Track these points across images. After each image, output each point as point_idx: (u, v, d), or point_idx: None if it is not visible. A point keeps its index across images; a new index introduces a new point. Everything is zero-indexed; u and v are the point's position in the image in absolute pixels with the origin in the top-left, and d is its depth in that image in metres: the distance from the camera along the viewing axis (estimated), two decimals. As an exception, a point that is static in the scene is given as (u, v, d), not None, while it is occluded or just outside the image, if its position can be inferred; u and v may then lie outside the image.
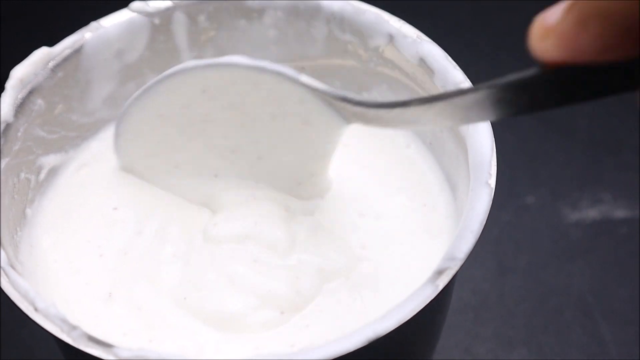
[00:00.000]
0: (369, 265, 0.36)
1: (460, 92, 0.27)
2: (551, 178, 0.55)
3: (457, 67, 0.37)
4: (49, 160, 0.40)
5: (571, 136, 0.56)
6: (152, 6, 0.41)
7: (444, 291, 0.32)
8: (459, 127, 0.37)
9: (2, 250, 0.33)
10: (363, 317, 0.34)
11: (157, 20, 0.41)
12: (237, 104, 0.36)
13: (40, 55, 0.38)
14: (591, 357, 0.48)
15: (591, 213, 0.53)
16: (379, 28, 0.39)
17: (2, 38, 0.62)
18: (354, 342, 0.30)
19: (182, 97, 0.36)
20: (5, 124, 0.37)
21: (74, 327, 0.31)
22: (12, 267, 0.33)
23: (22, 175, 0.38)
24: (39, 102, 0.38)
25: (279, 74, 0.34)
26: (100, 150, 0.41)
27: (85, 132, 0.41)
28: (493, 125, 0.36)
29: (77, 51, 0.39)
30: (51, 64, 0.39)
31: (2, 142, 0.36)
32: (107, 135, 0.42)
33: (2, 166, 0.36)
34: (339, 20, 0.40)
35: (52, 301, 0.32)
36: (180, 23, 0.41)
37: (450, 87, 0.37)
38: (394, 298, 0.32)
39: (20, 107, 0.37)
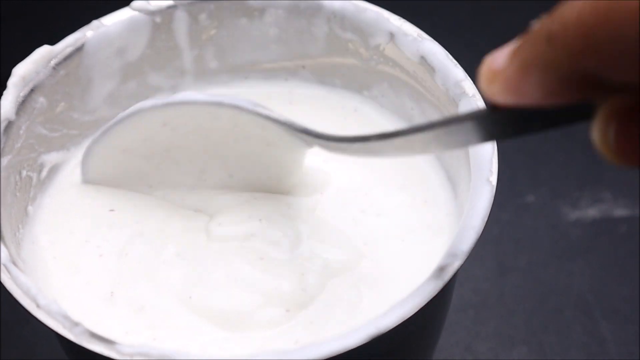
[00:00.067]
0: (371, 262, 0.36)
1: (416, 129, 0.27)
2: (551, 177, 0.55)
3: (458, 65, 0.38)
4: (51, 158, 0.40)
5: (571, 135, 0.56)
6: (154, 5, 0.41)
7: (446, 288, 0.32)
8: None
9: (4, 247, 0.33)
10: (366, 314, 0.34)
11: (158, 19, 0.41)
12: (199, 132, 0.36)
13: (42, 53, 0.38)
14: (591, 356, 0.48)
15: (591, 212, 0.53)
16: (379, 26, 0.40)
17: (2, 38, 0.62)
18: (356, 338, 0.30)
19: (142, 132, 0.37)
20: (7, 122, 0.37)
21: (76, 324, 0.31)
22: (14, 264, 0.33)
23: (24, 172, 0.38)
24: (40, 100, 0.38)
25: (236, 107, 0.35)
26: None
27: (87, 130, 0.41)
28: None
29: (79, 49, 0.39)
30: (53, 62, 0.39)
31: (4, 140, 0.36)
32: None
33: (4, 164, 0.36)
34: (340, 19, 0.40)
35: (54, 298, 0.32)
36: (181, 21, 0.41)
37: (451, 85, 0.37)
38: (396, 294, 0.32)
39: (22, 105, 0.37)
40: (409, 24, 0.39)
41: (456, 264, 0.31)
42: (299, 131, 0.34)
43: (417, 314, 0.30)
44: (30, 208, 0.38)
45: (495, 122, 0.24)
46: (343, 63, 0.42)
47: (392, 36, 0.39)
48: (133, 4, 0.41)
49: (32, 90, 0.38)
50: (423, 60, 0.38)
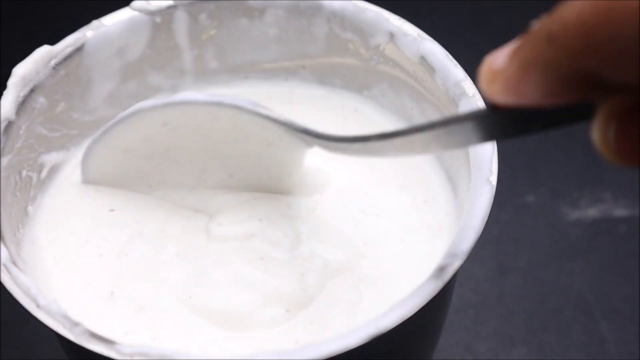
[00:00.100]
0: (371, 262, 0.36)
1: (416, 129, 0.27)
2: (551, 177, 0.55)
3: (458, 65, 0.38)
4: (51, 158, 0.40)
5: (571, 135, 0.56)
6: (154, 5, 0.41)
7: (446, 288, 0.32)
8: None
9: (4, 247, 0.33)
10: (366, 314, 0.34)
11: (158, 19, 0.41)
12: (199, 132, 0.36)
13: (42, 53, 0.38)
14: (591, 355, 0.48)
15: (591, 212, 0.53)
16: (379, 26, 0.40)
17: (2, 38, 0.62)
18: (356, 338, 0.30)
19: (142, 132, 0.37)
20: (7, 122, 0.37)
21: (76, 324, 0.31)
22: (14, 264, 0.33)
23: (24, 172, 0.38)
24: (40, 100, 0.38)
25: (236, 107, 0.35)
26: None
27: (87, 130, 0.41)
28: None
29: (79, 49, 0.39)
30: (53, 62, 0.39)
31: (4, 140, 0.36)
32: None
33: (4, 163, 0.36)
34: (340, 19, 0.40)
35: (54, 298, 0.32)
36: (181, 21, 0.41)
37: (451, 85, 0.37)
38: (397, 294, 0.32)
39: (22, 105, 0.37)
40: (409, 24, 0.39)
41: (456, 264, 0.31)
42: (299, 131, 0.34)
43: (417, 314, 0.30)
44: (30, 208, 0.38)
45: (495, 122, 0.24)
46: (343, 63, 0.42)
47: (392, 36, 0.39)
48: (133, 4, 0.41)
49: (32, 90, 0.38)
50: (423, 60, 0.38)
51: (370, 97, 0.42)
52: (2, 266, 0.32)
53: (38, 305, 0.31)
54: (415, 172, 0.40)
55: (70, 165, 0.40)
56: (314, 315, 0.35)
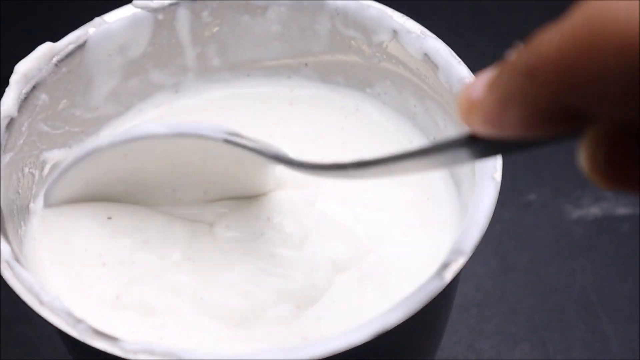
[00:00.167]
0: (376, 257, 0.36)
1: (395, 158, 0.27)
2: (553, 175, 0.55)
3: (462, 63, 0.38)
4: (53, 156, 0.39)
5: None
6: (156, 2, 0.41)
7: (451, 285, 0.31)
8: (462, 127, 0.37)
9: (6, 244, 0.33)
10: (372, 310, 0.34)
11: (160, 16, 0.41)
12: (163, 157, 0.35)
13: (44, 50, 0.38)
14: (593, 353, 0.48)
15: (593, 210, 0.53)
16: (382, 23, 0.39)
17: (2, 38, 0.62)
18: (362, 335, 0.29)
19: (103, 165, 0.35)
20: (9, 119, 0.36)
21: (79, 321, 0.31)
22: (17, 260, 0.33)
23: (26, 170, 0.38)
24: (42, 97, 0.38)
25: (200, 136, 0.34)
26: None
27: (89, 128, 0.41)
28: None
29: (81, 46, 0.39)
30: (55, 59, 0.38)
31: (6, 137, 0.36)
32: (110, 133, 0.42)
33: (7, 160, 0.36)
34: (343, 16, 0.40)
35: (57, 295, 0.32)
36: (183, 19, 0.41)
37: (455, 82, 0.37)
38: (401, 290, 0.32)
39: (24, 102, 0.37)
40: (412, 21, 0.39)
41: (461, 261, 0.31)
42: (270, 157, 0.33)
43: (422, 310, 0.30)
44: (32, 205, 0.38)
45: (476, 148, 0.24)
46: (346, 60, 0.42)
47: (395, 33, 0.39)
48: (135, 1, 0.40)
49: (34, 87, 0.38)
50: (426, 57, 0.38)
51: (373, 95, 0.42)
52: (5, 263, 0.32)
53: (41, 302, 0.31)
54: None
55: None
56: (321, 311, 0.35)
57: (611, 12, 0.18)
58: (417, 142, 0.41)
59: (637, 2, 0.18)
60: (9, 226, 0.35)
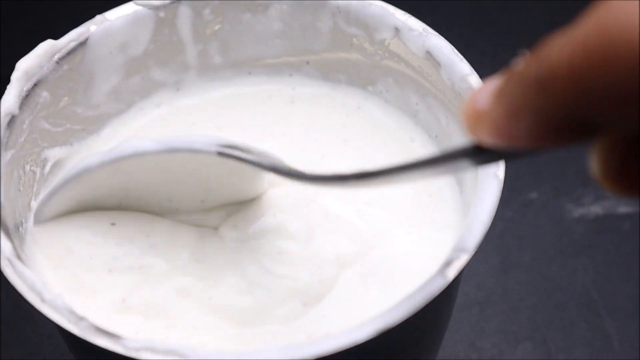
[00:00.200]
0: (379, 254, 0.36)
1: (398, 169, 0.26)
2: (554, 174, 0.55)
3: (464, 60, 0.37)
4: (54, 153, 0.39)
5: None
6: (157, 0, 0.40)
7: (453, 283, 0.31)
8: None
9: (8, 241, 0.33)
10: (376, 306, 0.34)
11: (162, 14, 0.41)
12: (155, 169, 0.35)
13: (46, 48, 0.38)
14: (595, 351, 0.48)
15: (594, 209, 0.53)
16: (384, 21, 0.39)
17: (2, 38, 0.61)
18: (364, 333, 0.29)
19: (94, 182, 0.35)
20: (10, 116, 0.36)
21: (81, 318, 0.31)
22: (18, 258, 0.33)
23: (28, 167, 0.38)
24: (44, 95, 0.38)
25: (191, 150, 0.33)
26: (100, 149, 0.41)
27: (90, 126, 0.41)
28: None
29: (82, 44, 0.39)
30: (56, 57, 0.38)
31: (7, 134, 0.36)
32: (111, 132, 0.41)
33: (8, 158, 0.36)
34: (345, 14, 0.40)
35: (59, 292, 0.32)
36: (185, 16, 0.41)
37: (457, 80, 0.37)
38: (405, 287, 0.32)
39: (26, 100, 0.37)
40: (414, 19, 0.39)
41: (464, 258, 0.31)
42: (267, 169, 0.33)
43: (424, 308, 0.30)
44: (33, 203, 0.38)
45: (481, 158, 0.23)
46: (347, 58, 0.42)
47: (397, 31, 0.39)
48: (136, -1, 0.40)
49: (35, 85, 0.38)
50: (429, 55, 0.38)
51: (375, 93, 0.42)
52: (6, 260, 0.32)
53: (43, 300, 0.31)
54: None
55: (74, 161, 0.40)
56: (327, 308, 0.34)
57: (625, 19, 0.17)
58: (418, 140, 0.41)
59: None
60: (10, 224, 0.34)
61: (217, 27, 0.42)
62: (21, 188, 0.37)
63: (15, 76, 0.37)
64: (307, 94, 0.43)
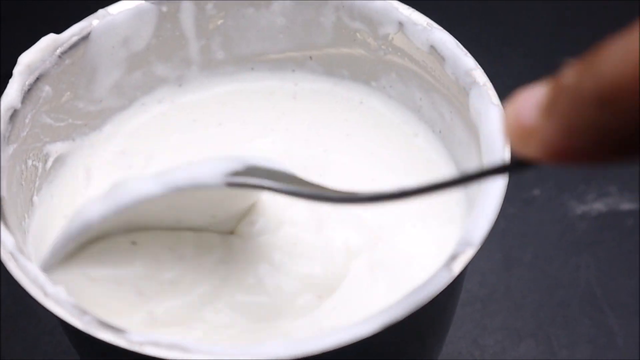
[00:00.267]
0: (385, 245, 0.36)
1: (414, 191, 0.26)
2: (557, 171, 0.55)
3: (469, 55, 0.37)
4: (56, 148, 0.39)
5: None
6: (160, -6, 0.40)
7: (458, 277, 0.31)
8: (470, 116, 0.37)
9: (10, 235, 0.33)
10: (383, 299, 0.34)
11: (164, 8, 0.41)
12: (159, 203, 0.32)
13: (48, 42, 0.38)
14: (598, 348, 0.47)
15: (597, 206, 0.53)
16: (388, 15, 0.39)
17: (4, 32, 0.61)
18: (369, 327, 0.29)
19: (94, 231, 0.33)
20: (12, 110, 0.36)
21: (84, 312, 0.30)
22: (21, 252, 0.32)
23: (30, 162, 0.38)
24: (46, 89, 0.38)
25: (196, 186, 0.31)
26: (103, 147, 0.41)
27: (92, 121, 0.41)
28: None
29: (85, 38, 0.39)
30: (59, 51, 0.38)
31: (9, 128, 0.36)
32: (113, 128, 0.41)
33: (10, 152, 0.36)
34: (348, 8, 0.40)
35: (62, 286, 0.32)
36: (187, 11, 0.41)
37: (462, 74, 0.37)
38: (411, 280, 0.32)
39: (28, 94, 0.37)
40: (418, 13, 0.39)
41: (469, 252, 0.31)
42: (277, 192, 0.31)
43: (430, 302, 0.30)
44: (35, 198, 0.38)
45: (520, 171, 0.22)
46: (351, 53, 0.42)
47: (401, 25, 0.39)
48: (139, -7, 0.40)
49: (37, 79, 0.37)
50: (433, 49, 0.38)
51: (378, 88, 0.42)
52: (8, 254, 0.32)
53: (46, 294, 0.31)
54: (422, 163, 0.40)
55: (76, 156, 0.40)
56: (337, 300, 0.34)
57: None
58: (422, 135, 0.41)
59: None
60: (12, 218, 0.34)
61: (219, 22, 0.42)
62: (23, 182, 0.37)
63: (18, 70, 0.37)
64: (310, 90, 0.43)
